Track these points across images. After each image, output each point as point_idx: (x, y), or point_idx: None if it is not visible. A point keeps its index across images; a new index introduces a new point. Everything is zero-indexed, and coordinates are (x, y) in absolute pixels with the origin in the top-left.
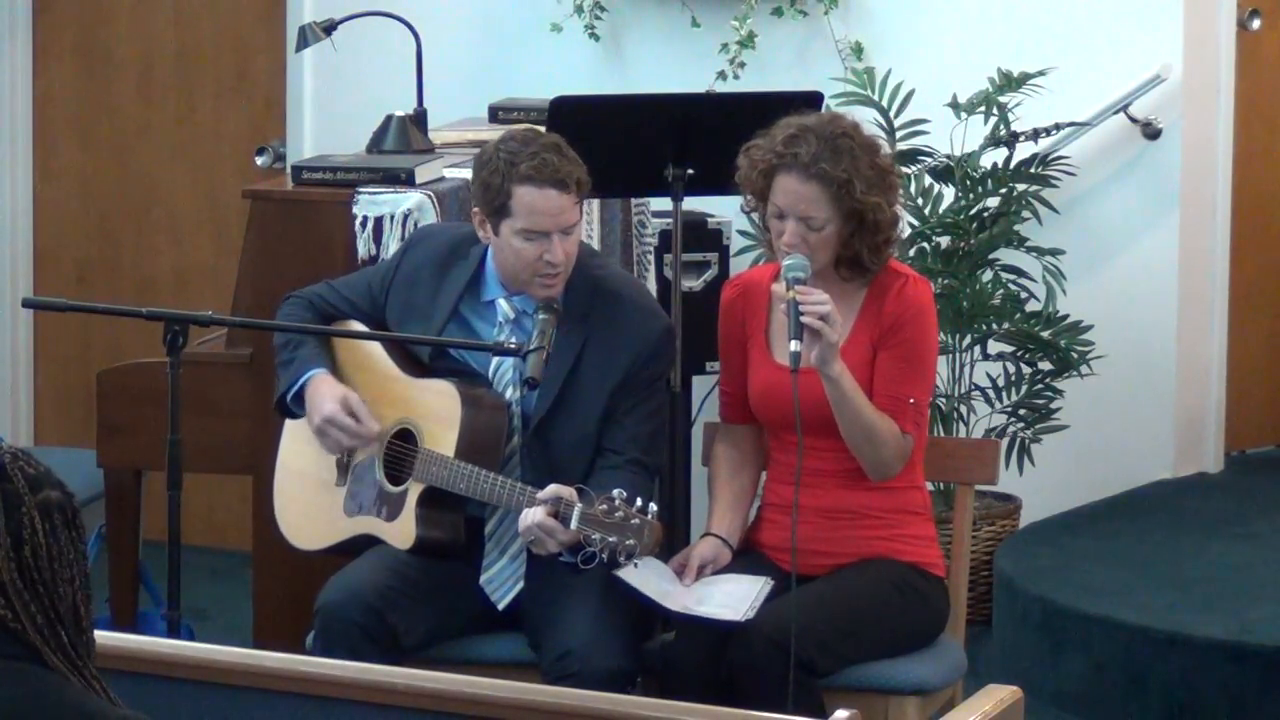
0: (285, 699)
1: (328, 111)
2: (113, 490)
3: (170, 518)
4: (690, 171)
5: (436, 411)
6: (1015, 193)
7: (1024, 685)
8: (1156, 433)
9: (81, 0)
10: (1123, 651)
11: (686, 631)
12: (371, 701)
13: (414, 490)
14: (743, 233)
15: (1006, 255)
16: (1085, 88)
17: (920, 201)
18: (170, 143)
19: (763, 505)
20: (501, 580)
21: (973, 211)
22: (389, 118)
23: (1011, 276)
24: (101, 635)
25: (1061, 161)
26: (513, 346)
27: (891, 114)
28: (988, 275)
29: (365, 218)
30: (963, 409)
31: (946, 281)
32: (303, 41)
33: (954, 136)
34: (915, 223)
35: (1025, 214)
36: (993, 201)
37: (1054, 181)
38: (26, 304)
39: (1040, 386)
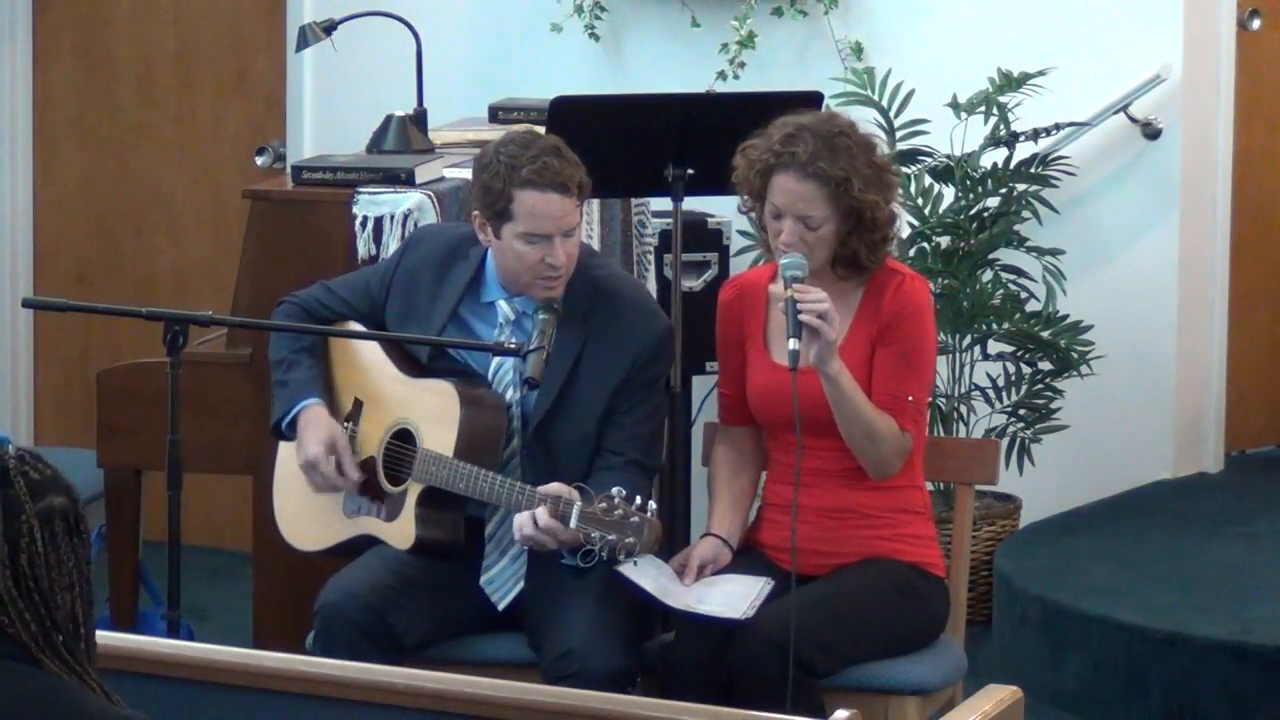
0: (285, 699)
1: (328, 111)
2: (113, 490)
3: (170, 518)
4: (690, 171)
5: (435, 411)
6: (1015, 193)
7: (1024, 685)
8: (1156, 433)
9: (81, 0)
10: (1123, 651)
11: (686, 631)
12: (371, 701)
13: (413, 490)
14: (743, 233)
15: (1006, 255)
16: (1085, 88)
17: (920, 201)
18: (170, 143)
19: (763, 505)
20: (501, 581)
21: (973, 211)
22: (389, 118)
23: (1011, 276)
24: (102, 635)
25: (1061, 161)
26: (513, 347)
27: (891, 114)
28: (988, 275)
29: (365, 218)
30: (963, 409)
31: (946, 281)
32: (303, 41)
33: (954, 136)
34: (915, 223)
35: (1025, 214)
36: (993, 201)
37: (1054, 181)
38: (26, 304)
39: (1040, 386)
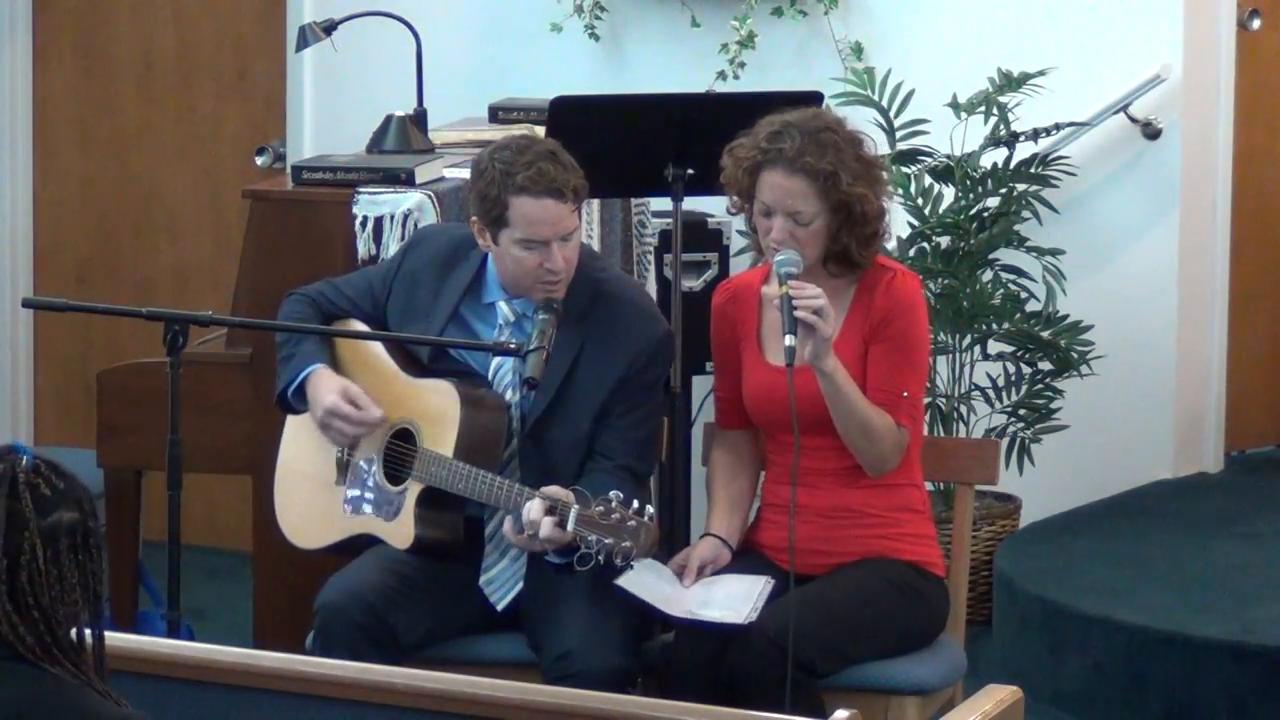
0: (285, 699)
1: (328, 111)
2: (113, 490)
3: (170, 518)
4: (690, 171)
5: (436, 411)
6: (1015, 193)
7: (1024, 685)
8: (1156, 433)
9: (81, 0)
10: (1123, 651)
11: (687, 632)
12: (371, 701)
13: (413, 490)
14: (742, 232)
15: (1006, 255)
16: (1085, 88)
17: (920, 201)
18: (170, 143)
19: (762, 506)
20: (501, 582)
21: (973, 211)
22: (389, 118)
23: (1011, 276)
24: None
25: (1061, 161)
26: (513, 347)
27: (891, 114)
28: (988, 275)
29: (365, 218)
30: (963, 409)
31: (946, 281)
32: (303, 41)
33: (954, 136)
34: (915, 223)
35: (1025, 214)
36: (993, 201)
37: (1054, 181)
38: (26, 304)
39: (1040, 386)
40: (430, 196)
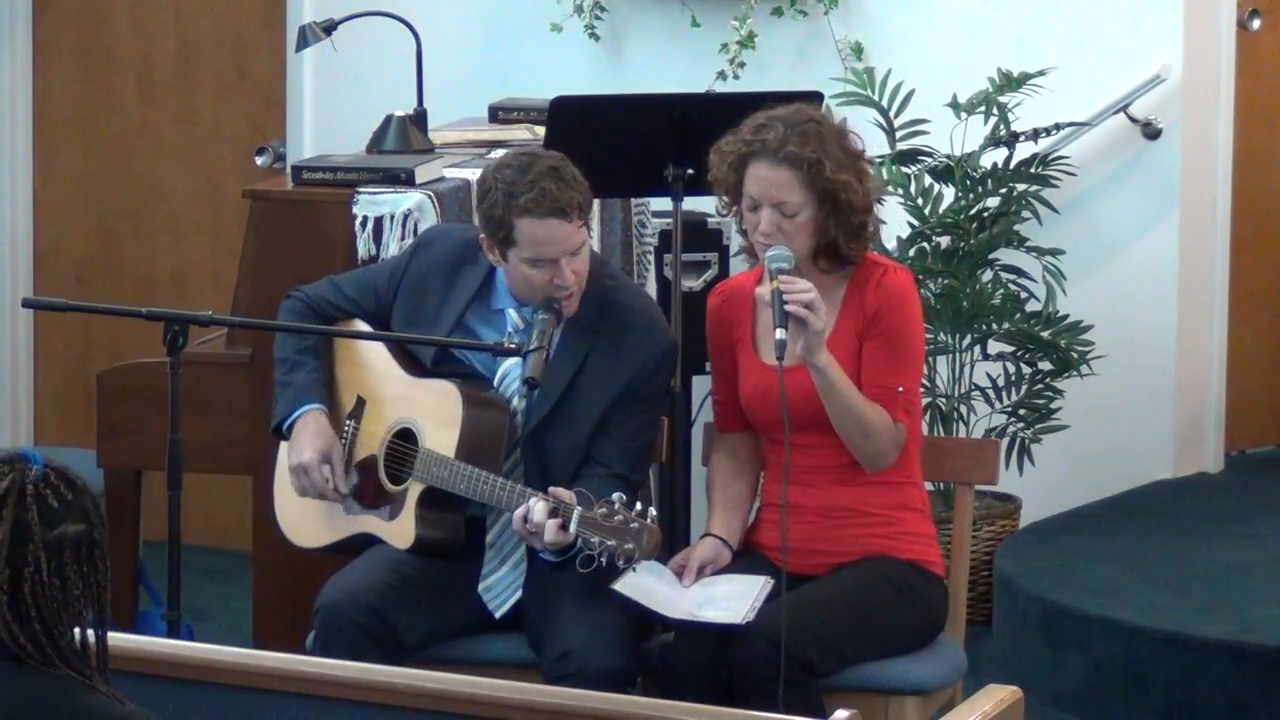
0: (285, 699)
1: (328, 111)
2: (113, 490)
3: (170, 518)
4: (690, 171)
5: (438, 411)
6: (1015, 193)
7: (1024, 685)
8: (1156, 433)
9: (81, 0)
10: (1123, 651)
11: (686, 632)
12: (371, 701)
13: (414, 490)
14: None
15: (1006, 255)
16: (1085, 88)
17: (920, 201)
18: (170, 143)
19: (761, 506)
20: (500, 589)
21: (973, 211)
22: (389, 118)
23: (1011, 276)
24: None
25: (1061, 161)
26: (511, 346)
27: (891, 114)
28: (988, 275)
29: (365, 218)
30: (963, 409)
31: (946, 281)
32: (303, 41)
33: (954, 136)
34: (915, 223)
35: (1025, 214)
36: (993, 201)
37: (1054, 181)
38: (26, 304)
39: (1040, 386)
40: (430, 196)
